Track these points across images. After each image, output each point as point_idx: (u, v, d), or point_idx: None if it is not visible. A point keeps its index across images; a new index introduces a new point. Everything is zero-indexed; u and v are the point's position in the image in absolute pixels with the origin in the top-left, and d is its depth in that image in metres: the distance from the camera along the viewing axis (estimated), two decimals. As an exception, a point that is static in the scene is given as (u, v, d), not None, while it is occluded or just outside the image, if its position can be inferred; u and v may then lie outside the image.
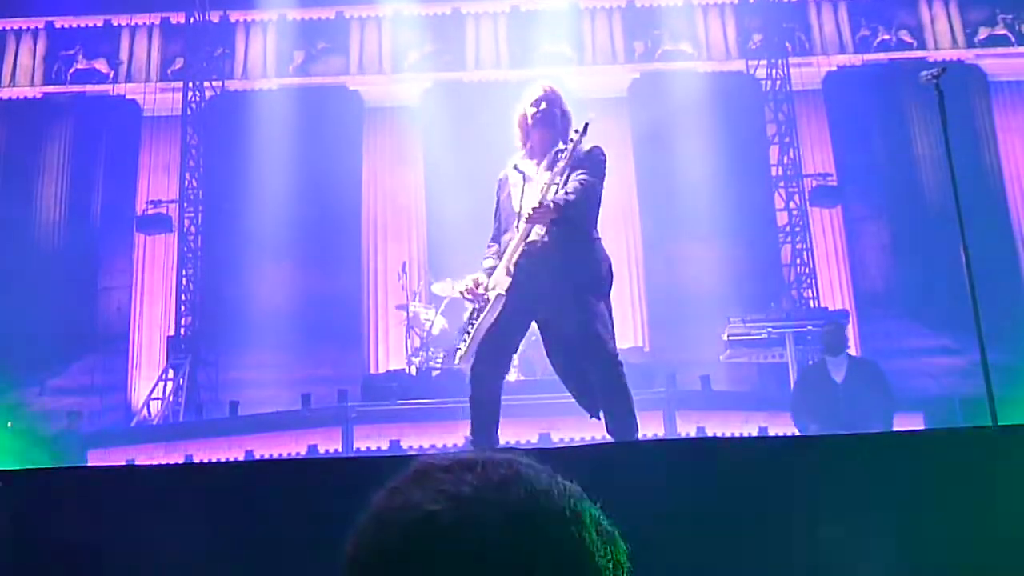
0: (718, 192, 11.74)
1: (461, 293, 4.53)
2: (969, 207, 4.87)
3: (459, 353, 4.44)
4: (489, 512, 0.91)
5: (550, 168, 4.35)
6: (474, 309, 4.39)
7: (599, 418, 4.36)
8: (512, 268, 4.31)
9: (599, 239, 4.40)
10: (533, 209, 4.19)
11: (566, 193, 4.23)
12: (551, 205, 4.18)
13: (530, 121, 4.48)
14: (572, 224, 4.28)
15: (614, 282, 4.44)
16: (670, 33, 13.33)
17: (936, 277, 11.52)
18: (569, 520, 0.93)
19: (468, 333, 4.37)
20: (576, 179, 4.29)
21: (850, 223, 12.95)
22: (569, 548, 0.91)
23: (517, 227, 4.34)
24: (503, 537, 0.89)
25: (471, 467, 0.95)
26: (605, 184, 4.42)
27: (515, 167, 4.53)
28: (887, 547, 2.72)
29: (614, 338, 4.34)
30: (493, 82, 12.77)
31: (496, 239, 4.53)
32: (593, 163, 4.37)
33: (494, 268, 4.39)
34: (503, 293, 4.29)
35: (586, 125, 4.30)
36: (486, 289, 4.35)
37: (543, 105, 4.46)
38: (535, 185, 4.33)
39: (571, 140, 4.30)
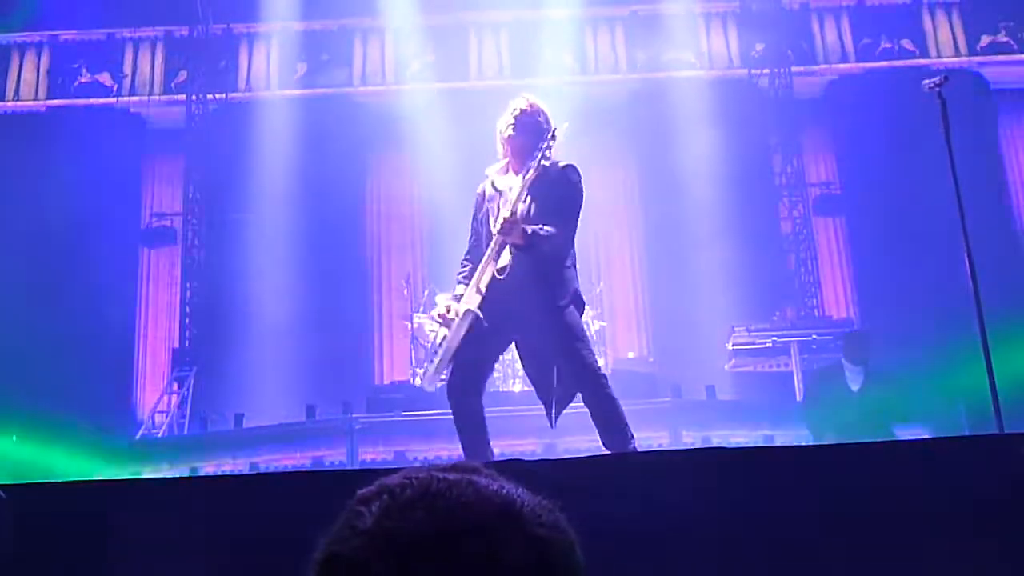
0: (721, 201, 11.73)
1: (432, 317, 4.55)
2: (973, 215, 4.86)
3: (428, 371, 4.44)
4: (382, 544, 0.90)
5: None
6: (444, 335, 4.39)
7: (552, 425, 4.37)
8: (483, 288, 4.30)
9: (572, 267, 4.39)
10: (505, 220, 4.18)
11: (543, 228, 4.21)
12: (524, 229, 4.16)
13: (505, 136, 4.48)
14: (545, 257, 4.27)
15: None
16: (672, 42, 13.33)
17: (940, 284, 11.48)
18: (486, 536, 0.90)
19: (436, 354, 4.37)
20: (555, 213, 4.26)
21: (853, 231, 12.92)
22: (482, 566, 0.89)
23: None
24: (395, 568, 0.88)
25: (383, 492, 0.94)
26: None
27: (493, 184, 4.52)
28: (898, 555, 2.71)
29: (592, 351, 4.35)
30: (496, 92, 12.75)
31: (471, 256, 4.52)
32: (570, 190, 4.36)
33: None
34: (472, 309, 4.27)
35: (553, 132, 4.27)
36: (456, 314, 4.34)
37: (518, 121, 4.44)
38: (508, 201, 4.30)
39: (540, 148, 4.27)
